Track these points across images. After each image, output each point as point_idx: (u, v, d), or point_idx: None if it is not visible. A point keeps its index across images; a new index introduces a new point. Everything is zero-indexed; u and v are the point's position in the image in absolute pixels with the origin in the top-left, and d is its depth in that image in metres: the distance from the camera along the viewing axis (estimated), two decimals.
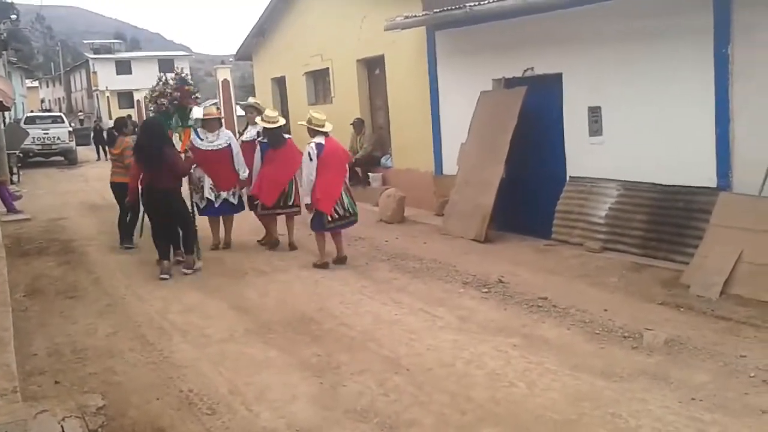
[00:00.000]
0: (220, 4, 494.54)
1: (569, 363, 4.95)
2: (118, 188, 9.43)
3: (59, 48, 74.61)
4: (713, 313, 5.84)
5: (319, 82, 15.86)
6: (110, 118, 47.44)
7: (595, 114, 8.45)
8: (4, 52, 25.99)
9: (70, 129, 27.01)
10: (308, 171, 7.89)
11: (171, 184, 7.87)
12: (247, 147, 9.20)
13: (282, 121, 9.06)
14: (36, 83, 67.50)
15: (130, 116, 31.09)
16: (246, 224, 9.61)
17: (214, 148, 8.83)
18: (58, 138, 25.66)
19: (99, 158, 28.34)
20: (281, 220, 9.26)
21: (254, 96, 11.44)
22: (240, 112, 22.72)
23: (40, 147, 25.17)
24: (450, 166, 10.64)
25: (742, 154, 6.96)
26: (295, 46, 15.88)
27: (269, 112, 9.07)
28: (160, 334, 6.00)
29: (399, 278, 7.50)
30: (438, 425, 4.13)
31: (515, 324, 5.87)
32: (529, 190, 9.22)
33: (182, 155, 8.57)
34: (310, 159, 7.88)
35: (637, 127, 7.93)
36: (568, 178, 8.83)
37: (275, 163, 8.70)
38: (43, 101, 62.98)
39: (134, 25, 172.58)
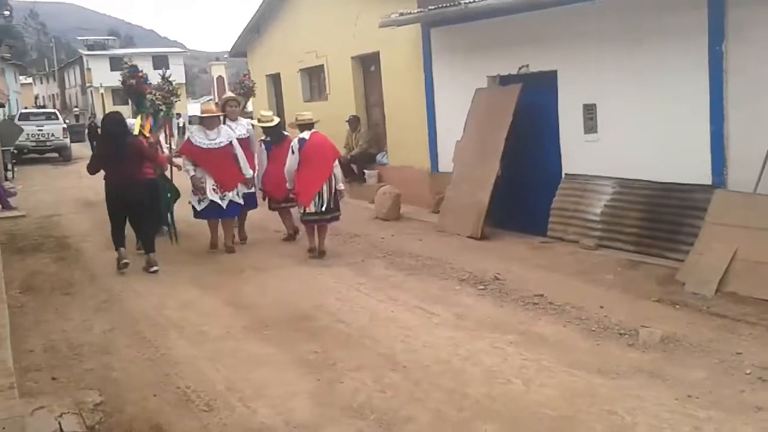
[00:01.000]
0: (214, 1, 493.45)
1: (565, 360, 4.97)
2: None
3: (53, 44, 74.53)
4: (708, 311, 5.86)
5: (314, 78, 15.85)
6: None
7: (590, 111, 8.47)
8: None
9: (65, 126, 26.96)
10: (289, 164, 8.40)
11: (136, 173, 7.94)
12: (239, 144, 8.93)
13: (277, 120, 9.41)
14: (30, 80, 67.24)
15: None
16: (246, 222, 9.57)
17: (216, 146, 8.55)
18: (53, 134, 25.59)
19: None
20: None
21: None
22: None
23: (34, 143, 25.09)
24: (445, 163, 10.65)
25: (736, 152, 6.99)
26: (290, 42, 15.86)
27: (264, 113, 9.44)
28: (157, 330, 6.00)
29: (395, 275, 7.51)
30: (434, 422, 4.14)
31: (511, 321, 5.88)
32: (525, 188, 9.24)
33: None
34: (292, 152, 8.38)
35: (632, 124, 7.95)
36: (563, 176, 8.85)
37: (280, 159, 8.75)
38: (37, 98, 62.71)
39: (128, 21, 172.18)
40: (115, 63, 56.50)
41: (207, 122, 8.70)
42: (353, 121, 13.10)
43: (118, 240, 8.04)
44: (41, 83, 72.68)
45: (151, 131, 9.28)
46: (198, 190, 8.54)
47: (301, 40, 15.27)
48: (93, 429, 4.15)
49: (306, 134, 8.39)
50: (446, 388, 4.59)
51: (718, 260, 6.36)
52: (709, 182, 7.18)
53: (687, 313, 5.87)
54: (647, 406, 4.19)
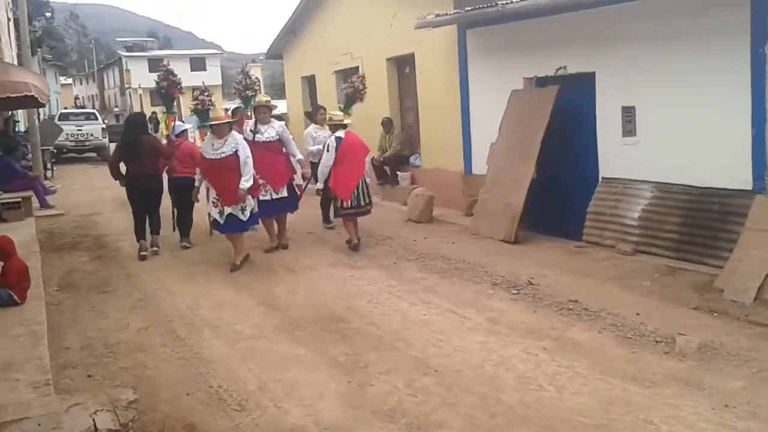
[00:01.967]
0: (252, 3, 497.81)
1: (600, 367, 4.90)
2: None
3: (93, 46, 75.84)
4: (747, 319, 5.74)
5: (348, 80, 15.84)
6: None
7: (628, 114, 8.34)
8: (38, 50, 26.42)
9: (104, 126, 27.36)
10: (325, 160, 8.77)
11: (150, 167, 8.77)
12: (263, 147, 8.61)
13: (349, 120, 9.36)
14: (70, 80, 68.60)
15: (154, 113, 31.56)
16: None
17: (217, 156, 7.90)
18: (92, 134, 25.99)
19: None
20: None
21: (262, 92, 11.02)
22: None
23: (73, 143, 25.51)
24: (479, 166, 10.58)
25: None
26: (325, 44, 15.91)
27: (335, 112, 9.44)
28: (191, 329, 6.05)
29: (427, 278, 7.48)
30: (466, 427, 4.11)
31: (545, 326, 5.81)
32: (560, 191, 9.13)
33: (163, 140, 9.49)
34: (328, 150, 8.77)
35: (672, 127, 7.82)
36: (600, 179, 8.74)
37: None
38: (76, 98, 63.93)
39: (167, 23, 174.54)
40: (153, 64, 57.41)
41: (217, 130, 8.03)
42: (387, 123, 13.08)
43: (139, 233, 8.93)
44: (81, 84, 74.05)
45: (173, 133, 9.58)
46: (194, 198, 8.52)
47: (337, 42, 15.31)
48: (126, 426, 4.20)
49: (341, 133, 8.82)
50: (478, 393, 4.55)
51: (757, 267, 6.21)
52: (750, 187, 7.02)
53: (725, 321, 5.75)
54: (683, 416, 4.11)
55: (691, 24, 7.44)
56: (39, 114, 20.49)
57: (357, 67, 14.72)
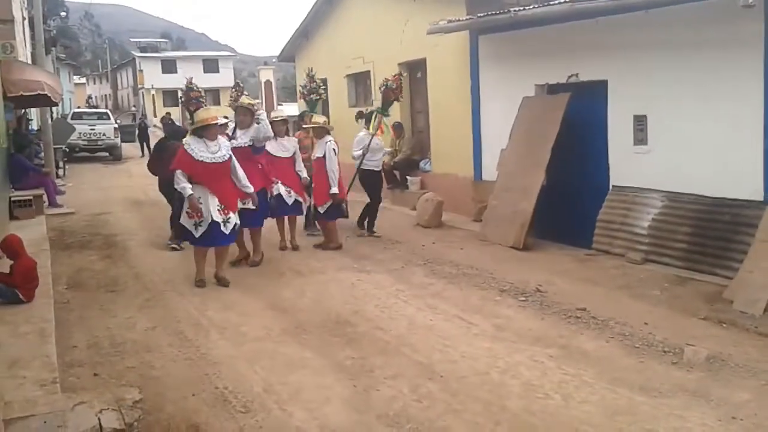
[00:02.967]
0: (265, 6, 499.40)
1: (607, 376, 4.87)
2: None
3: (107, 45, 76.17)
4: (756, 330, 5.70)
5: (360, 84, 15.90)
6: (155, 116, 48.29)
7: (640, 123, 8.32)
8: (53, 49, 26.56)
9: (116, 126, 27.50)
10: (335, 165, 9.05)
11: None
12: (239, 153, 7.87)
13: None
14: (83, 80, 68.93)
15: (168, 113, 31.68)
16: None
17: (219, 160, 7.26)
18: (104, 134, 26.13)
19: (143, 155, 28.80)
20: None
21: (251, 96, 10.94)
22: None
23: (86, 142, 25.65)
24: (489, 172, 10.57)
25: None
26: (338, 48, 15.95)
27: (318, 117, 9.81)
28: (198, 330, 6.06)
29: (435, 283, 7.47)
30: None
31: (552, 334, 5.79)
32: (570, 199, 9.11)
33: None
34: (335, 153, 9.07)
35: (683, 137, 7.79)
36: (611, 188, 8.71)
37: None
38: (90, 98, 64.28)
39: (180, 24, 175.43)
40: (167, 65, 57.77)
41: (210, 132, 7.31)
42: (398, 128, 13.09)
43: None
44: (94, 83, 74.42)
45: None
46: (196, 211, 7.19)
47: (349, 46, 15.34)
48: (131, 426, 4.20)
49: (332, 137, 9.28)
50: (484, 400, 4.54)
51: (767, 279, 6.18)
52: (761, 198, 6.99)
53: (734, 332, 5.71)
54: (690, 427, 4.08)
55: (704, 34, 7.42)
56: (52, 113, 20.66)
57: (369, 71, 14.76)
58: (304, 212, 9.69)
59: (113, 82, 69.97)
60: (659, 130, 8.10)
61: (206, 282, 7.47)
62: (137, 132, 29.77)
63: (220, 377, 4.98)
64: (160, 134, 32.95)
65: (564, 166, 8.90)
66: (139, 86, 57.13)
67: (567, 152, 8.83)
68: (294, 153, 9.15)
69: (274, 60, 29.80)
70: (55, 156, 17.92)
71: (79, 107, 41.65)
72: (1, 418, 3.89)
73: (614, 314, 6.17)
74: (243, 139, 8.26)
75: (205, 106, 9.03)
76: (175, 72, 56.42)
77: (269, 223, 8.95)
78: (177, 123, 31.29)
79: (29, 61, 16.81)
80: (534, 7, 8.78)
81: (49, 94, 11.36)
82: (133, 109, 51.82)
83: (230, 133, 8.27)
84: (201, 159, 7.18)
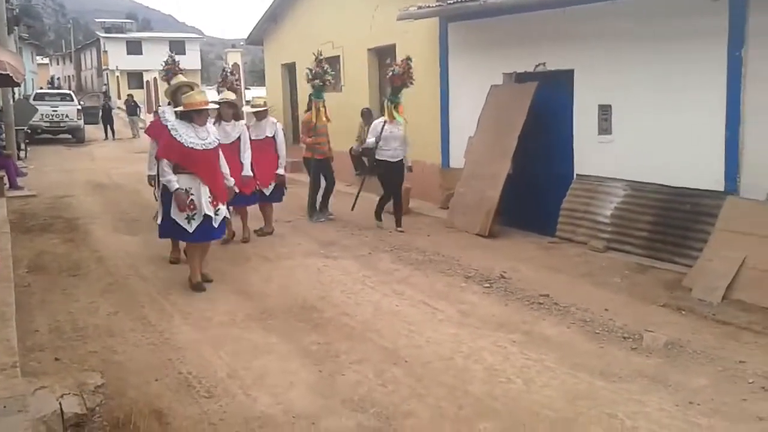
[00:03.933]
0: None
1: (568, 361, 4.95)
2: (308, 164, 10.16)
3: (71, 25, 74.69)
4: (714, 318, 5.83)
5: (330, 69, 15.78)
6: (119, 98, 47.52)
7: (605, 112, 8.42)
8: (15, 28, 25.97)
9: (79, 107, 27.04)
10: (284, 146, 9.16)
11: None
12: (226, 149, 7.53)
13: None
14: (46, 60, 67.52)
15: (130, 95, 31.19)
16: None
17: (208, 146, 6.65)
18: (67, 116, 25.68)
19: (107, 137, 28.36)
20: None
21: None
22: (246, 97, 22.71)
23: (48, 124, 25.19)
24: (457, 159, 10.62)
25: (750, 158, 6.94)
26: (307, 32, 15.83)
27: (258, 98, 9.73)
28: (162, 315, 6.02)
29: (401, 270, 7.50)
30: (434, 418, 4.14)
31: (516, 320, 5.86)
32: (536, 187, 9.20)
33: None
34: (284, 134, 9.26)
35: (647, 127, 7.90)
36: (575, 176, 8.82)
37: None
38: (52, 78, 63.01)
39: (146, 5, 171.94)
40: (132, 47, 56.83)
41: (201, 117, 6.68)
42: (366, 114, 13.06)
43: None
44: (57, 64, 72.95)
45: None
46: (184, 208, 6.53)
47: (318, 31, 15.23)
48: (93, 411, 4.16)
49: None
50: (447, 384, 4.58)
51: (726, 267, 6.31)
52: (722, 188, 7.13)
53: (692, 320, 5.84)
54: (648, 411, 4.17)
55: (670, 25, 7.52)
56: (14, 93, 20.20)
57: (338, 56, 14.69)
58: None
59: (77, 63, 68.66)
60: (623, 120, 8.21)
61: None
62: (101, 114, 29.30)
63: (184, 362, 4.96)
64: (124, 116, 32.59)
65: (530, 154, 8.98)
66: (104, 67, 56.16)
67: (533, 141, 8.91)
68: (238, 139, 8.35)
69: (242, 43, 29.51)
70: (17, 137, 17.56)
71: (41, 88, 40.84)
72: None
73: (576, 301, 6.27)
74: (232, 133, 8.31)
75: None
76: (141, 53, 55.57)
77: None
78: (140, 105, 30.82)
79: None
80: None
81: (11, 74, 11.09)
82: (104, 87, 50.89)
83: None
84: (191, 146, 6.52)
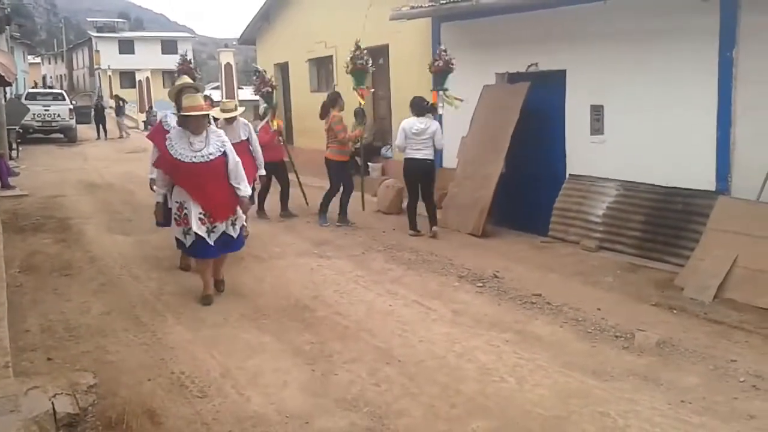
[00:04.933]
0: None
1: (560, 360, 4.97)
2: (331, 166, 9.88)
3: (62, 25, 74.39)
4: (706, 317, 5.86)
5: (322, 69, 15.81)
6: (111, 98, 47.33)
7: (597, 113, 8.45)
8: (7, 27, 25.85)
9: (71, 107, 26.95)
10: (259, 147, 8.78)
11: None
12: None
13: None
14: (38, 60, 67.24)
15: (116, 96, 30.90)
16: None
17: (204, 159, 5.98)
18: (59, 115, 25.60)
19: (99, 137, 28.28)
20: None
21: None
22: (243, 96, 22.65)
23: (40, 124, 25.10)
24: (450, 159, 10.63)
25: (742, 158, 6.97)
26: (300, 32, 15.83)
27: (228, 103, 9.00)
28: (154, 315, 6.00)
29: (394, 269, 7.50)
30: (427, 417, 4.15)
31: (508, 319, 5.88)
32: (528, 187, 9.22)
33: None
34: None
35: (639, 127, 7.93)
36: (567, 176, 8.84)
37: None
38: (45, 78, 62.74)
39: (139, 4, 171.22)
40: (124, 46, 56.66)
41: (194, 123, 6.02)
42: (359, 114, 13.05)
43: None
44: (49, 63, 72.66)
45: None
46: (160, 217, 6.46)
47: (311, 30, 15.24)
48: (86, 411, 4.15)
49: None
50: (440, 383, 4.59)
51: (718, 267, 6.35)
52: (713, 188, 7.16)
53: (684, 319, 5.86)
54: (640, 410, 4.18)
55: (662, 26, 7.54)
56: (5, 93, 20.13)
57: (331, 56, 14.69)
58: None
59: (69, 63, 68.40)
60: (615, 120, 8.24)
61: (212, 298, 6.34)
62: (93, 113, 29.20)
63: (177, 362, 4.95)
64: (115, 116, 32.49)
65: (522, 154, 9.00)
66: (96, 67, 55.96)
67: (525, 141, 8.93)
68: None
69: (234, 43, 29.43)
70: (9, 137, 17.52)
71: (33, 87, 40.65)
72: None
73: (568, 300, 6.29)
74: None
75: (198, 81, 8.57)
76: (133, 53, 55.45)
77: None
78: (129, 104, 30.58)
79: None
80: None
81: (3, 74, 11.09)
82: (97, 93, 50.73)
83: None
84: (179, 158, 5.92)
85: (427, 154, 8.96)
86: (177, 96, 6.55)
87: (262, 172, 8.80)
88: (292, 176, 10.86)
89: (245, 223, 6.41)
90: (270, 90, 10.74)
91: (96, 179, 15.18)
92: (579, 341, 5.38)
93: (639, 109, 7.91)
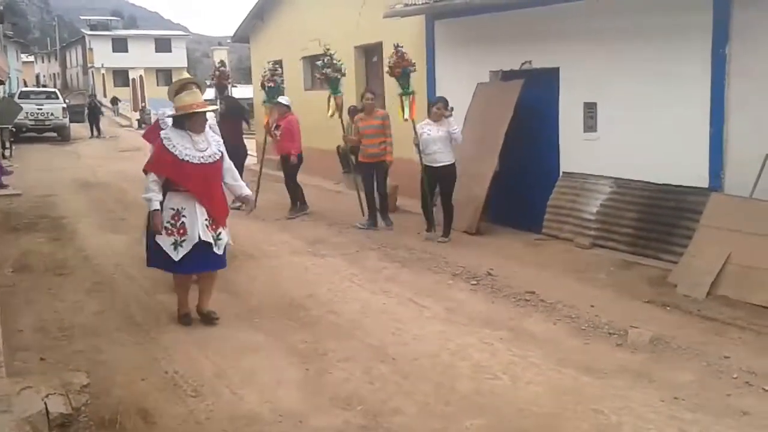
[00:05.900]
0: None
1: (554, 357, 4.98)
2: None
3: (56, 23, 74.07)
4: (699, 313, 5.87)
5: (316, 67, 15.74)
6: (105, 96, 47.21)
7: (590, 110, 8.45)
8: (0, 26, 25.78)
9: (64, 105, 26.88)
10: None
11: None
12: None
13: None
14: (31, 58, 67.01)
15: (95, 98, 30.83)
16: None
17: (210, 160, 5.54)
18: (52, 114, 25.53)
19: (92, 136, 28.21)
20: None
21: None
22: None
23: (33, 122, 25.04)
24: None
25: (734, 155, 6.98)
26: (293, 29, 15.79)
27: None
28: (148, 314, 5.99)
29: (388, 267, 7.51)
30: (421, 415, 4.15)
31: (502, 317, 5.89)
32: (522, 184, 9.22)
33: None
34: None
35: (632, 124, 7.93)
36: (561, 173, 8.85)
37: None
38: (38, 77, 62.54)
39: (132, 2, 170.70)
40: (118, 44, 56.50)
41: (197, 121, 5.55)
42: (353, 112, 13.04)
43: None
44: (43, 62, 72.46)
45: None
46: (160, 227, 5.44)
47: (305, 28, 15.19)
48: (79, 410, 4.14)
49: None
50: (434, 381, 4.60)
51: (711, 263, 6.36)
52: (706, 185, 7.17)
53: (677, 315, 5.88)
54: (633, 407, 4.19)
55: (655, 23, 7.55)
56: None
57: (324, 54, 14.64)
58: None
59: (62, 61, 68.22)
60: (608, 118, 8.24)
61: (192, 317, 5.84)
62: (87, 112, 29.13)
63: (170, 362, 4.94)
64: (110, 115, 32.41)
65: (516, 152, 9.00)
66: (89, 65, 55.82)
67: (519, 138, 8.92)
68: None
69: (228, 40, 29.40)
70: (2, 136, 17.48)
71: (26, 86, 40.51)
72: None
73: (562, 297, 6.30)
74: None
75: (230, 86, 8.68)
76: (126, 51, 55.31)
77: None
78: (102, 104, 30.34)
79: None
80: None
81: None
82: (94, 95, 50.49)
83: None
84: (186, 159, 5.43)
85: (443, 159, 8.78)
86: (177, 93, 5.95)
87: None
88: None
89: (230, 242, 5.88)
90: (272, 86, 10.76)
91: (89, 178, 15.14)
92: (572, 338, 5.40)
93: (632, 106, 7.91)
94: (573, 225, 8.36)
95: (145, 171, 5.53)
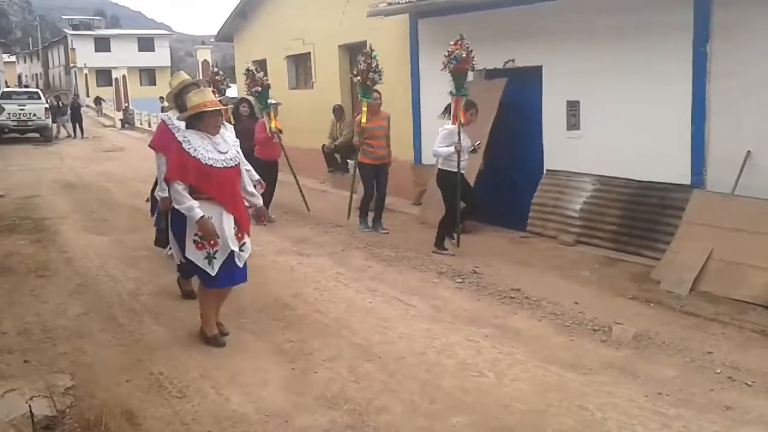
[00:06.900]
0: None
1: (539, 354, 5.00)
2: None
3: (38, 23, 73.51)
4: (682, 309, 5.92)
5: (301, 66, 15.76)
6: (87, 96, 46.85)
7: (573, 108, 8.50)
8: None
9: (47, 106, 26.67)
10: None
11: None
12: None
13: None
14: (13, 58, 66.43)
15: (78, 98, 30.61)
16: None
17: (233, 164, 5.08)
18: (34, 114, 25.33)
19: (75, 136, 28.01)
20: None
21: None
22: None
23: (15, 123, 24.83)
24: (429, 156, 10.57)
25: (716, 152, 7.05)
26: (277, 29, 15.76)
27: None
28: (132, 316, 5.96)
29: (374, 266, 7.51)
30: (407, 413, 4.16)
31: (487, 314, 5.91)
32: (506, 182, 9.26)
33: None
34: None
35: (615, 122, 7.99)
36: (544, 171, 8.89)
37: None
38: (20, 77, 62.00)
39: (115, 2, 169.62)
40: (100, 44, 56.10)
41: (212, 122, 5.02)
42: (338, 111, 13.05)
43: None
44: (25, 62, 71.85)
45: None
46: (211, 237, 4.94)
47: (289, 27, 15.18)
48: (63, 413, 4.12)
49: None
50: (420, 379, 4.61)
51: (693, 260, 6.42)
52: (688, 182, 7.23)
53: (661, 311, 5.92)
54: (618, 402, 4.23)
55: (636, 21, 7.60)
56: None
57: (309, 53, 14.65)
58: None
59: (44, 61, 67.65)
60: (591, 116, 8.29)
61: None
62: (70, 112, 28.92)
63: (155, 363, 4.92)
64: (93, 115, 32.18)
65: (500, 150, 9.03)
66: (72, 65, 55.39)
67: (503, 137, 8.96)
68: None
69: (211, 40, 29.28)
70: None
71: (8, 86, 40.15)
72: None
73: (547, 294, 6.33)
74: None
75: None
76: (109, 51, 54.92)
77: None
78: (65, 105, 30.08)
79: None
80: None
81: None
82: (77, 95, 50.07)
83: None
84: (211, 163, 4.93)
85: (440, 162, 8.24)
86: (177, 97, 5.83)
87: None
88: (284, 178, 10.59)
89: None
90: (259, 89, 10.17)
91: (72, 179, 15.03)
92: (557, 335, 5.42)
93: (614, 104, 7.96)
94: (557, 222, 8.41)
95: (168, 180, 5.06)
